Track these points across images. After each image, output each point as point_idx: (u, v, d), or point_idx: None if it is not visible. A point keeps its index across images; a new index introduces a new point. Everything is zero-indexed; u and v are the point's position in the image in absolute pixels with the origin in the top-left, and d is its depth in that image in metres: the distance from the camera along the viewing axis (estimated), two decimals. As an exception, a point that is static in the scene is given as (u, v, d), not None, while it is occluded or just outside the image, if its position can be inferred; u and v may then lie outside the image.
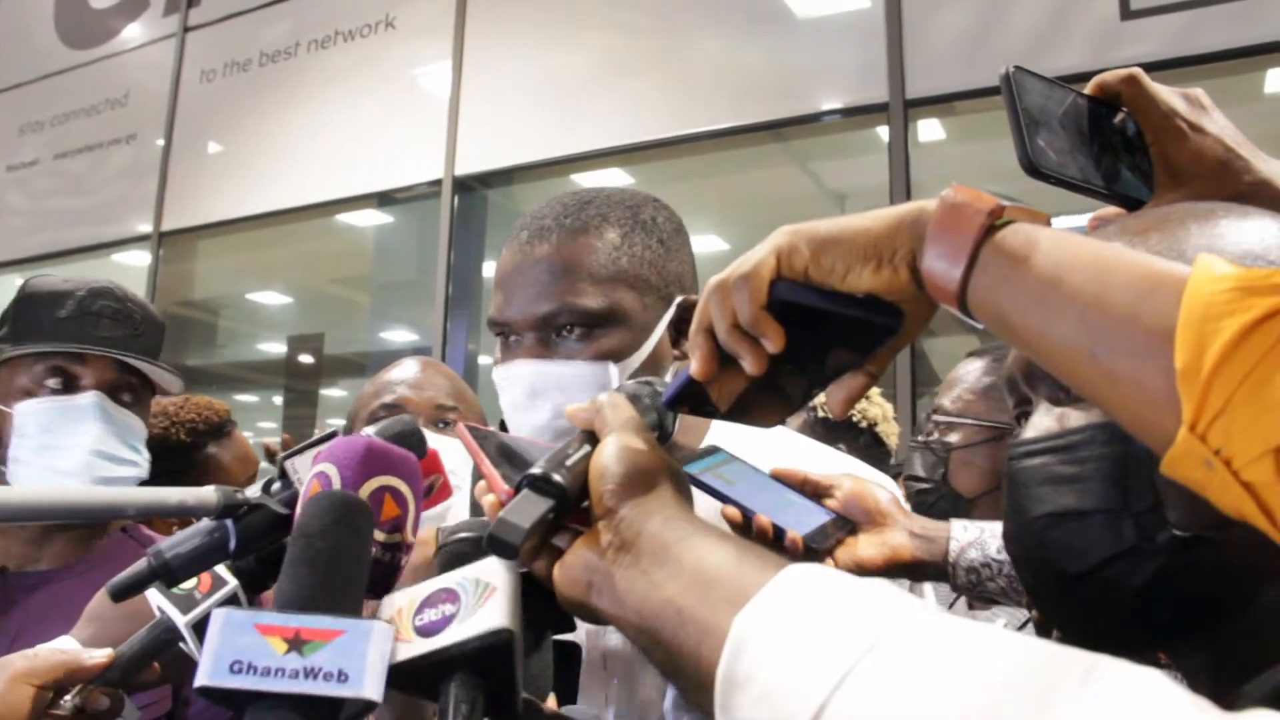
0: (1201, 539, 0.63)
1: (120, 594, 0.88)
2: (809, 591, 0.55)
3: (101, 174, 6.30)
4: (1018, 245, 0.62)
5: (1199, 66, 3.35)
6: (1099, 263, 0.57)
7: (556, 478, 0.69)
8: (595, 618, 0.68)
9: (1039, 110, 0.78)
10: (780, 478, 1.04)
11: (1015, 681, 0.45)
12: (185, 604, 0.99)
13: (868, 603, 0.53)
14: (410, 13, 5.31)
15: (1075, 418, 0.70)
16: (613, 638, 1.10)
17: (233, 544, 0.88)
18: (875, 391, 2.76)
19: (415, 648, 0.67)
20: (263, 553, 1.02)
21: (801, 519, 0.99)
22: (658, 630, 0.61)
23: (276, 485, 0.92)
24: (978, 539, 1.05)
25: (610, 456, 0.70)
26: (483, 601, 0.67)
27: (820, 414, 2.64)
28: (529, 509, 0.68)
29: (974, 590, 1.05)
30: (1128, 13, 3.47)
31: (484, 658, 0.66)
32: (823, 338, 0.74)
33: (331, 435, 0.94)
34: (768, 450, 1.09)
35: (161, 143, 6.01)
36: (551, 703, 0.80)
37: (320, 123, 5.41)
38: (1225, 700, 0.61)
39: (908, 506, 1.13)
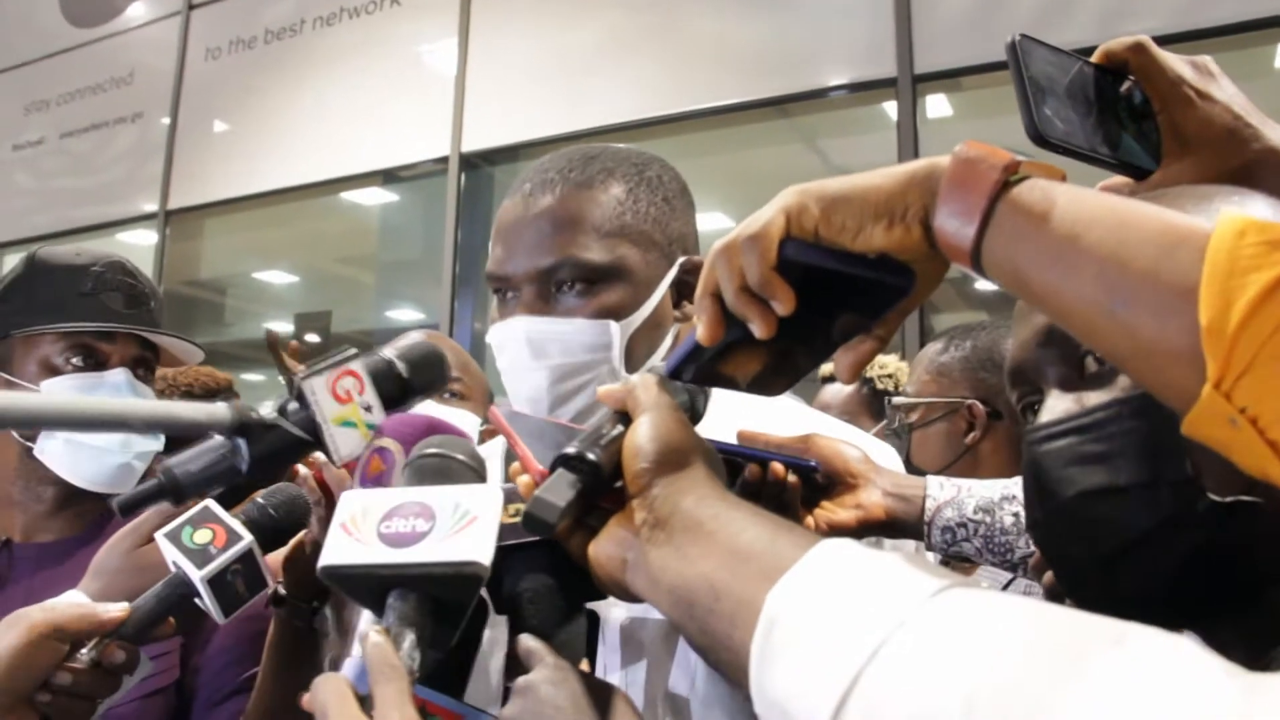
0: (1240, 505, 0.62)
1: (127, 508, 0.86)
2: (841, 567, 0.56)
3: (107, 153, 6.29)
4: (1034, 201, 0.60)
5: (1208, 40, 3.32)
6: (1118, 218, 0.56)
7: (591, 457, 0.70)
8: (630, 595, 0.69)
9: (1045, 79, 0.77)
10: (745, 441, 1.02)
11: (1047, 647, 0.45)
12: (200, 559, 0.99)
13: (899, 577, 0.53)
14: (415, -11, 5.29)
15: (1094, 397, 0.69)
16: (615, 610, 1.10)
17: (245, 465, 0.86)
18: (905, 365, 2.77)
19: (376, 554, 0.67)
20: (276, 506, 1.01)
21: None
22: (692, 606, 0.62)
23: (293, 406, 0.89)
24: (955, 498, 1.03)
25: (643, 436, 0.71)
26: (461, 528, 0.67)
27: (876, 386, 2.65)
28: (564, 488, 0.69)
29: (948, 550, 1.03)
30: (1137, -15, 3.45)
31: (447, 585, 0.66)
32: (832, 300, 0.73)
33: (352, 355, 0.92)
34: (751, 413, 1.06)
35: (167, 121, 6.00)
36: (584, 668, 0.80)
37: (326, 100, 5.40)
38: (1258, 666, 0.61)
39: (896, 463, 1.12)
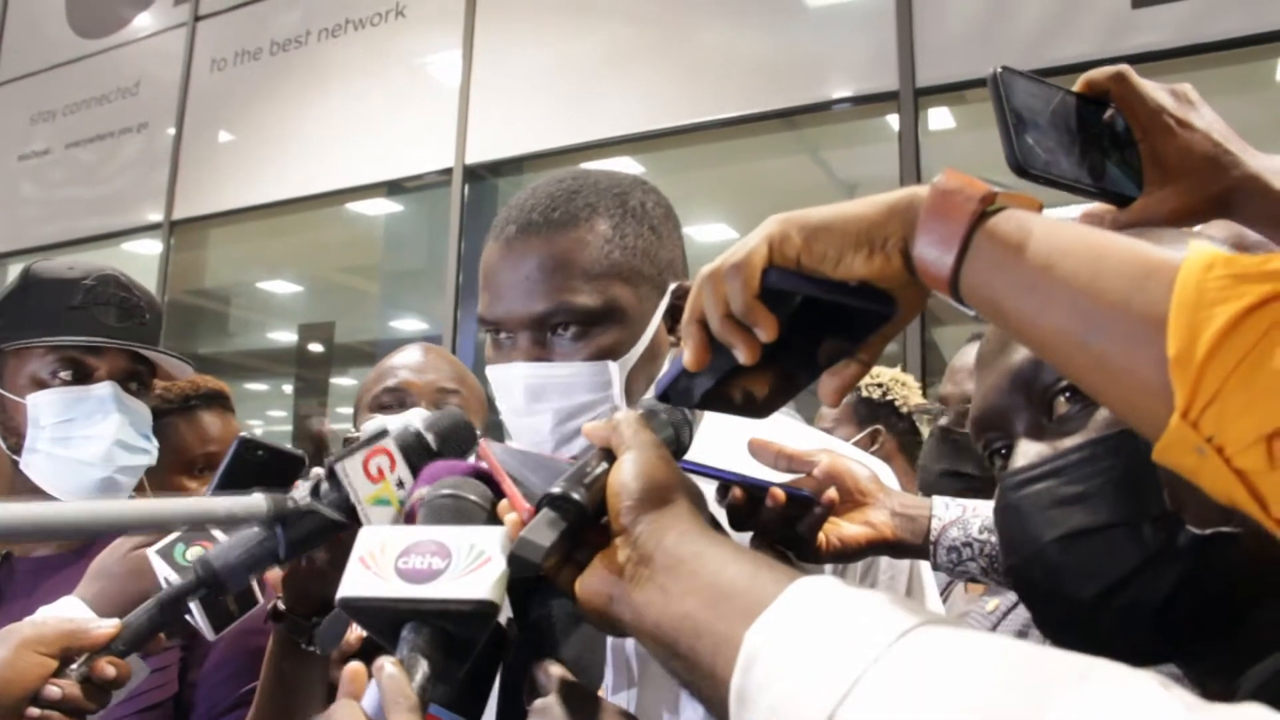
0: (1220, 535, 0.63)
1: (167, 608, 0.88)
2: (818, 604, 0.57)
3: (113, 163, 6.32)
4: (1010, 232, 0.61)
5: (1210, 55, 3.33)
6: (1091, 250, 0.57)
7: (576, 496, 0.71)
8: (617, 630, 0.70)
9: (1027, 110, 0.78)
10: (756, 449, 1.03)
11: (1013, 684, 0.46)
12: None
13: (873, 614, 0.54)
14: (420, 1, 5.31)
15: (1068, 440, 0.70)
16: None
17: (283, 551, 0.87)
18: (912, 379, 2.78)
19: (393, 589, 0.69)
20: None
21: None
22: (675, 643, 0.63)
23: (325, 487, 0.90)
24: (960, 518, 1.03)
25: (627, 474, 0.71)
26: (475, 567, 0.69)
27: (863, 394, 2.66)
28: (549, 528, 0.70)
29: (954, 570, 1.03)
30: (1138, 0, 3.45)
31: (459, 621, 0.68)
32: (815, 326, 0.74)
33: (382, 434, 0.94)
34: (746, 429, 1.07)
35: (172, 132, 6.03)
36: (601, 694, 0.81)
37: (330, 111, 5.42)
38: (1230, 692, 0.62)
39: (895, 484, 1.12)
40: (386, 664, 0.64)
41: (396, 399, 1.70)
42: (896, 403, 2.66)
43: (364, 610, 0.70)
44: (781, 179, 4.96)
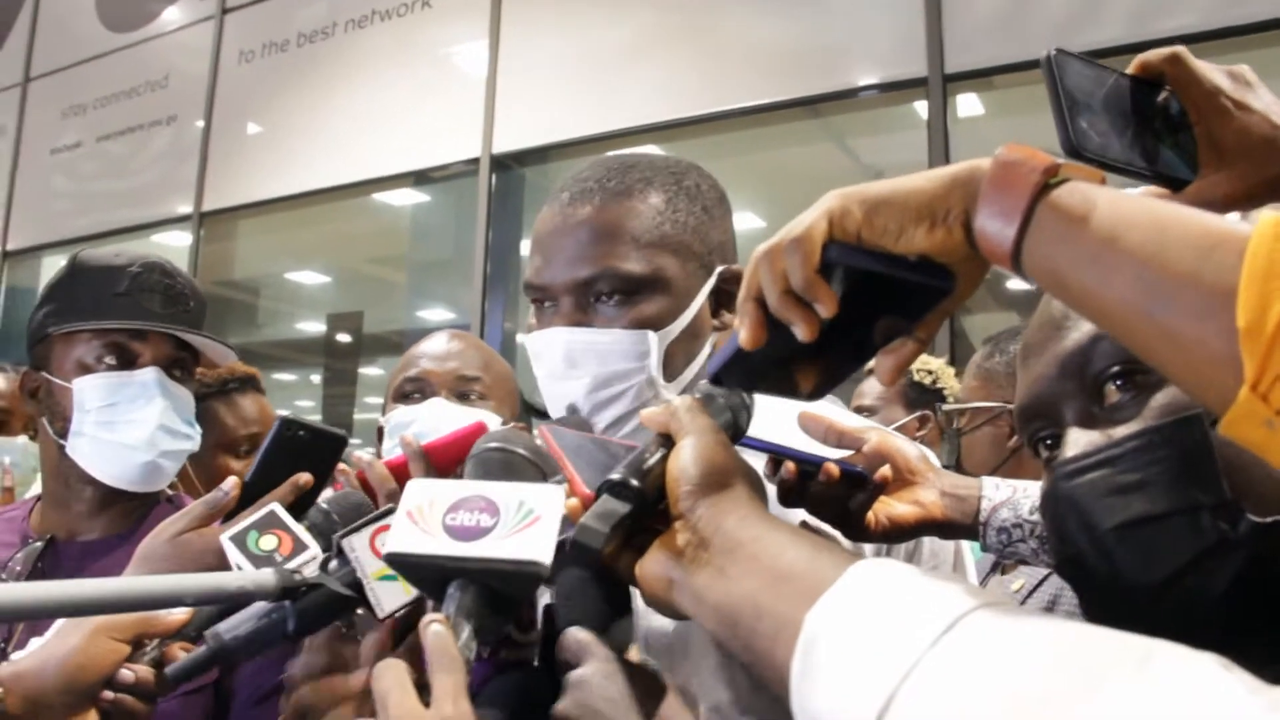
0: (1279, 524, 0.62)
1: (180, 679, 0.89)
2: (877, 587, 0.57)
3: (143, 156, 6.37)
4: (1074, 204, 0.61)
5: (1241, 38, 3.29)
6: (1157, 221, 0.57)
7: (635, 483, 0.72)
8: (677, 613, 0.71)
9: (1080, 92, 0.77)
10: (806, 423, 1.02)
11: (1071, 667, 0.46)
12: (265, 565, 1.00)
13: (932, 597, 0.54)
14: (446, -9, 5.32)
15: (1121, 428, 0.70)
16: (654, 619, 1.10)
17: (292, 624, 0.86)
18: (952, 371, 2.79)
19: (440, 545, 0.69)
20: (341, 513, 1.02)
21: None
22: (736, 624, 0.63)
23: (334, 564, 0.89)
24: (1010, 498, 1.02)
25: (686, 459, 0.72)
26: (524, 526, 0.69)
27: (914, 378, 2.67)
28: (609, 513, 0.70)
29: (1004, 550, 1.02)
30: (1170, -17, 3.42)
31: (506, 581, 0.69)
32: (871, 304, 0.73)
33: (390, 511, 0.94)
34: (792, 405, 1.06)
35: (201, 124, 6.07)
36: (633, 656, 0.81)
37: (358, 102, 5.44)
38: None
39: (938, 464, 1.12)
40: (433, 623, 0.65)
41: (417, 388, 1.70)
42: (945, 392, 2.68)
43: (411, 566, 0.71)
44: (808, 167, 4.94)
